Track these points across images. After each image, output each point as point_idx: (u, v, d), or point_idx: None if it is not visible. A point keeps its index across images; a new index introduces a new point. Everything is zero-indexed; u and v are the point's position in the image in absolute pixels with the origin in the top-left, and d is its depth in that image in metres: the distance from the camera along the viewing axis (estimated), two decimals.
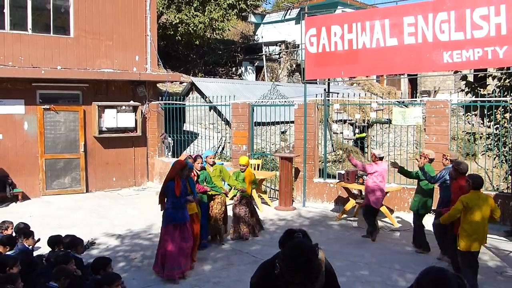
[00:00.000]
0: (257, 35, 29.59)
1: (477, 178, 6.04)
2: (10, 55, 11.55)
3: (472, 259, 6.02)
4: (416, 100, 11.80)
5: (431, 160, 7.77)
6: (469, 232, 5.89)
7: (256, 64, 25.63)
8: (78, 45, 12.43)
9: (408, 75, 14.98)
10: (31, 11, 11.92)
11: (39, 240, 6.57)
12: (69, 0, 12.34)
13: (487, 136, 11.14)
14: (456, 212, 6.00)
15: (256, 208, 9.43)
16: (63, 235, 6.24)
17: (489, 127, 10.63)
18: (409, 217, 9.74)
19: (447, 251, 7.01)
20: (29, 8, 11.88)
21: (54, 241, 6.09)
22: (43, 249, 6.53)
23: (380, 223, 9.28)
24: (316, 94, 11.64)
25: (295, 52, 25.61)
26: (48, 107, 12.18)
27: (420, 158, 7.67)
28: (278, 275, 2.67)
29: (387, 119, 16.21)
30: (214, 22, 21.34)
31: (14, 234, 6.55)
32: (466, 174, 6.42)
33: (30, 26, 11.88)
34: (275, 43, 26.14)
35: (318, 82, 20.55)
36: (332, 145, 16.42)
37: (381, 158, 8.48)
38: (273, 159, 13.19)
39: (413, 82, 29.05)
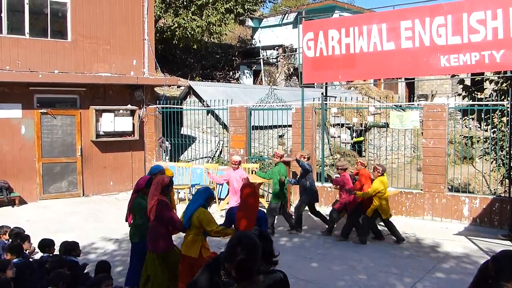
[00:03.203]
0: (254, 39, 29.62)
1: (384, 166, 8.65)
2: (8, 59, 11.52)
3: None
4: (413, 104, 11.85)
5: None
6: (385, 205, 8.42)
7: (254, 68, 25.65)
8: (75, 49, 12.42)
9: (406, 79, 15.00)
10: (29, 15, 11.90)
11: (34, 249, 6.53)
12: (67, 4, 12.33)
13: (484, 139, 11.16)
14: (377, 190, 8.26)
15: None
16: (60, 240, 6.23)
17: (486, 130, 10.66)
18: (407, 221, 9.80)
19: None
20: (27, 12, 11.86)
21: (45, 244, 6.11)
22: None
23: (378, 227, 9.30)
24: (314, 98, 11.67)
25: (292, 56, 25.64)
26: (45, 111, 12.15)
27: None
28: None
29: (384, 123, 16.25)
30: (211, 26, 21.35)
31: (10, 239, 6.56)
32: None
33: (27, 30, 11.86)
34: (272, 47, 26.17)
35: (315, 86, 20.51)
36: (330, 149, 16.41)
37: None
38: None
39: (410, 86, 29.11)
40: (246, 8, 22.70)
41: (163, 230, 5.43)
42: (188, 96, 16.33)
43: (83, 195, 12.77)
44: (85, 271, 6.04)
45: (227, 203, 10.06)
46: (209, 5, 21.12)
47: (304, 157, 9.23)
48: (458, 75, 11.16)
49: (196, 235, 5.32)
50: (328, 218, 9.17)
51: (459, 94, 11.85)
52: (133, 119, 13.28)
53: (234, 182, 9.09)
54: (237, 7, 21.79)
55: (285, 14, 27.96)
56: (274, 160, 9.49)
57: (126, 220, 6.21)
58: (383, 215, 8.53)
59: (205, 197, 5.44)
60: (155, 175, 6.12)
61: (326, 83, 12.57)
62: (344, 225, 8.79)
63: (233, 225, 5.46)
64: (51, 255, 6.01)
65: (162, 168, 6.72)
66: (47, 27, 12.20)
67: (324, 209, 10.87)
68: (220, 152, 15.18)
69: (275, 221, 9.38)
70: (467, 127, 13.38)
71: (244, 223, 5.08)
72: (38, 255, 6.60)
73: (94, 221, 10.24)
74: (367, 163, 9.22)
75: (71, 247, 5.98)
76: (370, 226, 8.64)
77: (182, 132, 14.97)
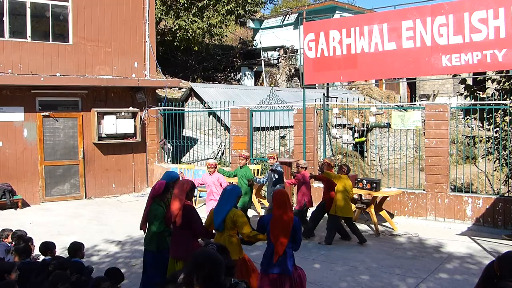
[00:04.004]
0: (255, 40, 29.61)
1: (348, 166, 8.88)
2: (10, 62, 11.55)
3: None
4: (415, 104, 11.80)
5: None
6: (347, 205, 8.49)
7: (255, 69, 25.64)
8: (77, 52, 12.44)
9: (407, 79, 14.99)
10: (30, 19, 11.93)
11: (38, 256, 6.53)
12: (68, 8, 12.36)
13: (487, 139, 11.11)
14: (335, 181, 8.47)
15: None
16: (63, 242, 6.21)
17: (489, 130, 10.60)
18: (409, 221, 9.78)
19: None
20: (28, 16, 11.90)
21: (46, 247, 6.06)
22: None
23: (380, 228, 9.30)
24: (315, 99, 11.62)
25: (293, 57, 25.62)
26: (47, 114, 12.19)
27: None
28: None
29: (386, 123, 16.20)
30: (212, 28, 21.36)
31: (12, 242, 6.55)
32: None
33: (29, 34, 11.89)
34: (273, 48, 26.15)
35: (317, 87, 20.53)
36: (332, 150, 16.38)
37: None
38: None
39: (412, 86, 29.08)
40: (247, 9, 22.73)
41: (190, 235, 5.32)
42: (190, 98, 16.33)
43: (86, 197, 12.79)
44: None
45: (204, 204, 9.98)
46: (210, 6, 21.14)
47: (274, 158, 9.27)
48: (460, 75, 11.14)
49: (231, 237, 5.18)
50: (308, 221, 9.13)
51: (461, 94, 11.79)
52: (134, 121, 13.29)
53: (212, 186, 8.72)
54: (238, 8, 21.80)
55: (286, 15, 27.93)
56: (240, 162, 9.24)
57: (141, 228, 5.90)
58: (344, 214, 8.48)
59: (235, 197, 5.33)
60: (174, 182, 5.83)
61: (328, 84, 12.56)
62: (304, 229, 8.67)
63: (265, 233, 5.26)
64: (55, 257, 5.98)
65: (178, 175, 6.32)
66: (49, 31, 12.25)
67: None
68: (222, 154, 15.17)
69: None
70: (469, 127, 13.31)
71: (279, 232, 4.95)
72: (41, 258, 6.58)
73: (96, 223, 10.24)
74: (334, 163, 9.21)
75: (75, 248, 5.94)
76: (337, 226, 8.59)
77: (183, 134, 14.97)
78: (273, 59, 25.87)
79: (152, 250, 5.65)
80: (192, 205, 5.45)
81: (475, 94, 11.20)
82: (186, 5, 20.82)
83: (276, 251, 4.93)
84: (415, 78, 14.05)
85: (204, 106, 15.37)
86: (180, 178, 8.67)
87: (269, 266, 5.00)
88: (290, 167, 10.83)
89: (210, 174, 8.82)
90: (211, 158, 11.15)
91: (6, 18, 11.59)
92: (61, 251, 6.87)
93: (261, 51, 25.55)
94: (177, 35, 21.05)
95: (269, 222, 5.07)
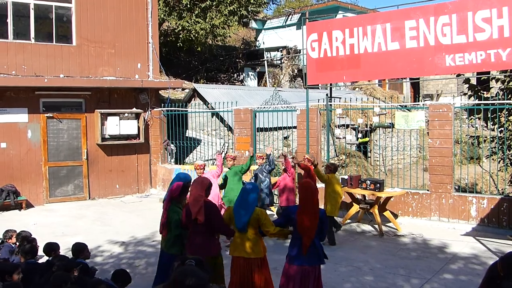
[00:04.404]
0: (258, 41, 29.62)
1: (335, 164, 9.15)
2: (14, 64, 11.58)
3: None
4: (419, 104, 11.75)
5: None
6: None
7: (258, 70, 25.62)
8: (80, 54, 12.46)
9: (411, 79, 14.94)
10: (34, 21, 11.96)
11: (41, 256, 6.52)
12: (71, 9, 12.38)
13: (491, 139, 11.06)
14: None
15: None
16: (67, 243, 6.21)
17: (493, 130, 10.55)
18: (413, 222, 9.74)
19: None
20: (32, 17, 11.92)
21: (50, 248, 6.06)
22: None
23: (384, 228, 9.27)
24: (318, 99, 11.59)
25: (296, 58, 25.59)
26: (51, 115, 12.22)
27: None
28: None
29: (390, 123, 16.16)
30: (215, 28, 21.36)
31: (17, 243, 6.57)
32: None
33: (33, 35, 11.91)
34: (276, 49, 26.13)
35: (320, 87, 20.50)
36: (335, 150, 16.35)
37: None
38: (275, 165, 13.14)
39: (415, 86, 29.00)
40: (249, 10, 22.71)
41: (212, 232, 5.27)
42: (193, 99, 16.34)
43: (89, 198, 12.81)
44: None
45: None
46: (213, 7, 21.14)
47: (263, 159, 9.14)
48: (463, 75, 11.09)
49: (255, 235, 5.15)
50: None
51: (465, 94, 11.73)
52: (138, 122, 13.29)
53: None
54: (240, 9, 21.78)
55: (288, 16, 27.93)
56: (228, 163, 8.93)
57: (161, 232, 5.73)
58: (331, 214, 8.47)
59: (257, 196, 5.27)
60: (188, 183, 5.79)
61: (331, 84, 12.55)
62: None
63: (289, 227, 5.22)
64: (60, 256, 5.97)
65: (190, 177, 6.15)
66: (52, 32, 12.26)
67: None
68: (226, 153, 15.15)
69: None
70: (473, 127, 13.26)
71: (307, 224, 4.89)
72: (44, 258, 6.59)
73: (100, 224, 10.24)
74: (315, 160, 9.03)
75: (79, 249, 5.94)
76: (331, 226, 8.55)
77: (187, 135, 14.98)
78: (276, 60, 25.84)
79: (174, 254, 5.49)
80: (214, 203, 5.37)
81: (479, 93, 11.12)
82: (189, 6, 20.83)
83: (304, 243, 4.89)
84: (418, 78, 14.00)
85: (207, 106, 15.37)
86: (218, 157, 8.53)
87: (298, 258, 4.96)
88: (294, 168, 10.80)
89: (200, 175, 8.23)
90: (199, 160, 10.96)
91: (10, 20, 11.62)
92: (65, 251, 6.87)
93: (264, 51, 25.55)
94: (180, 36, 21.04)
95: (296, 213, 5.00)
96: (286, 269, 5.08)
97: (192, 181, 5.80)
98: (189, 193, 5.49)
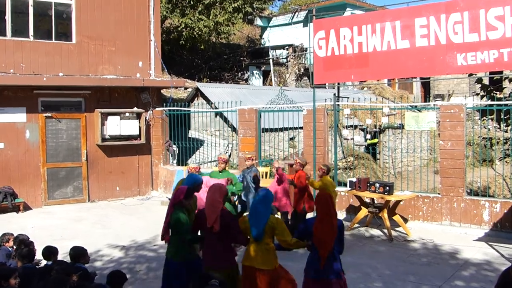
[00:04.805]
0: (263, 38, 29.46)
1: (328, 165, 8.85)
2: (12, 62, 11.41)
3: None
4: (429, 104, 11.61)
5: None
6: None
7: (263, 68, 25.52)
8: (80, 52, 12.27)
9: (421, 78, 14.76)
10: (33, 18, 11.78)
11: (40, 261, 6.39)
12: (71, 6, 12.20)
13: (504, 141, 10.88)
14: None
15: None
16: (66, 247, 6.11)
17: (506, 131, 10.40)
18: (424, 226, 9.55)
19: None
20: (31, 14, 11.75)
21: (48, 252, 5.98)
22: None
23: (394, 233, 9.15)
24: (326, 99, 11.56)
25: (303, 56, 25.46)
26: (50, 115, 12.06)
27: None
28: None
29: (399, 124, 16.03)
30: (219, 26, 21.26)
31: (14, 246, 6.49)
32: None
33: (31, 33, 11.73)
34: (282, 47, 26.01)
35: (327, 87, 20.32)
36: (343, 152, 16.16)
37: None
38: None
39: (426, 85, 28.72)
40: (254, 7, 22.63)
41: (228, 242, 5.09)
42: (196, 98, 16.23)
43: (89, 200, 12.64)
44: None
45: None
46: (217, 4, 21.01)
47: (252, 160, 8.93)
48: (475, 74, 10.93)
49: (267, 245, 4.95)
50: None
51: (477, 94, 11.64)
52: (139, 122, 13.11)
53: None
54: (245, 6, 21.69)
55: (295, 13, 27.70)
56: (219, 166, 8.47)
57: (163, 239, 5.47)
58: None
59: (271, 203, 5.11)
60: (197, 187, 5.60)
61: (338, 84, 12.37)
62: None
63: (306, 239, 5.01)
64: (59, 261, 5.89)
65: (201, 179, 5.84)
66: (52, 29, 12.09)
67: (338, 214, 10.58)
68: (229, 156, 14.99)
69: None
70: (486, 128, 13.04)
71: (324, 237, 4.71)
72: (43, 262, 6.48)
73: (100, 227, 10.13)
74: (305, 162, 8.82)
75: (79, 254, 5.82)
76: None
77: (189, 135, 14.92)
78: (282, 58, 25.72)
79: (178, 261, 5.25)
80: (230, 211, 5.23)
81: (492, 94, 11.04)
82: (192, 3, 20.75)
83: (321, 255, 4.72)
84: (429, 78, 13.81)
85: (211, 106, 15.26)
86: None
87: (316, 271, 4.80)
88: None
89: None
90: (193, 163, 10.80)
91: (8, 17, 11.45)
92: (64, 255, 6.78)
93: (270, 49, 25.43)
94: (183, 33, 20.91)
95: (313, 225, 4.83)
96: (305, 284, 4.91)
97: (200, 184, 5.65)
98: (205, 199, 5.27)
